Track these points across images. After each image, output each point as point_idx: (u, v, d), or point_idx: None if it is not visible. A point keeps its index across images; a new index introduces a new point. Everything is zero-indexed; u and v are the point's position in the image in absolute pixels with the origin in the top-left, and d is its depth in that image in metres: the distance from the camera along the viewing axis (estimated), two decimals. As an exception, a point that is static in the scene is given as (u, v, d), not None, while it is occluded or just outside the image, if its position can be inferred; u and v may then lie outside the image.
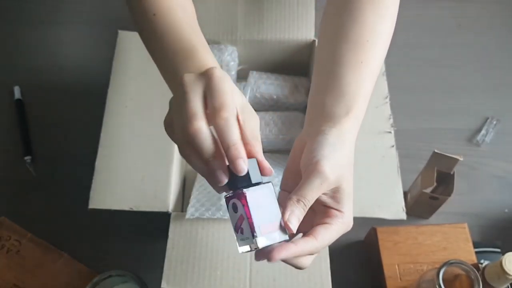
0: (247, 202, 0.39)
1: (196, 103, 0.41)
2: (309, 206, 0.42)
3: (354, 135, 0.47)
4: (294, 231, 0.41)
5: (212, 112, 0.40)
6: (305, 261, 0.43)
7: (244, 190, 0.39)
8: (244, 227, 0.39)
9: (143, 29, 0.52)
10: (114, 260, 0.72)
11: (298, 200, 0.42)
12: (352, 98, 0.47)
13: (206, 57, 0.47)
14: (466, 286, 0.57)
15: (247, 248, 0.40)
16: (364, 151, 0.66)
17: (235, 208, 0.40)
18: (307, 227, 0.43)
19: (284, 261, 0.42)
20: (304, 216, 0.42)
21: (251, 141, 0.42)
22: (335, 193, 0.43)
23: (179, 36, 0.49)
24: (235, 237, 0.40)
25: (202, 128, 0.40)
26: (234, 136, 0.40)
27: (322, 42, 0.54)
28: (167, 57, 0.49)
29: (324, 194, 0.43)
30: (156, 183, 0.63)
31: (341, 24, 0.51)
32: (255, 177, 0.40)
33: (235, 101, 0.42)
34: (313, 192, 0.42)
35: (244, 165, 0.39)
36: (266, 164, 0.42)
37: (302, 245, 0.40)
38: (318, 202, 0.43)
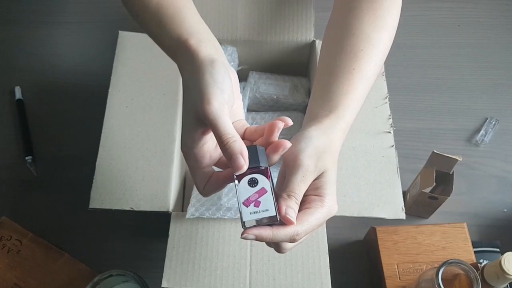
0: (271, 177, 0.42)
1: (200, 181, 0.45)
2: (300, 197, 0.44)
3: (338, 133, 0.48)
4: (295, 222, 0.42)
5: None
6: (287, 246, 0.45)
7: (266, 166, 0.42)
8: (262, 200, 0.41)
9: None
10: (114, 259, 0.72)
11: (289, 196, 0.43)
12: (337, 101, 0.49)
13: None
14: (465, 286, 0.57)
15: (258, 216, 0.41)
16: (364, 151, 0.66)
17: (253, 183, 0.42)
18: None
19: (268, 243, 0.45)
20: None
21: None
22: (314, 180, 0.45)
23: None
24: (241, 211, 0.41)
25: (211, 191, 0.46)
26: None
27: (322, 56, 0.57)
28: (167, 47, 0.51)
29: None
30: (156, 183, 0.63)
31: (339, 38, 0.54)
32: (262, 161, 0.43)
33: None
34: (299, 185, 0.44)
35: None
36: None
37: (282, 230, 0.42)
38: None
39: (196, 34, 0.47)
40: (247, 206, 0.41)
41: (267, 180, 0.42)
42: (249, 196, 0.41)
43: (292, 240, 0.43)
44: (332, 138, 0.48)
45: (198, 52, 0.45)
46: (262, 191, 0.42)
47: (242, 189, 0.42)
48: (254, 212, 0.41)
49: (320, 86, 0.52)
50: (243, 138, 0.47)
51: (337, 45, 0.53)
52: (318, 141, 0.46)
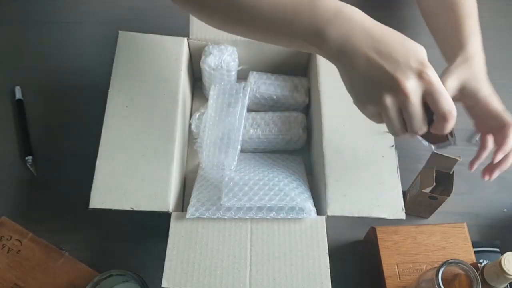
0: None
1: (421, 119, 0.49)
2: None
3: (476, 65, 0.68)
4: None
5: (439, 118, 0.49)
6: None
7: None
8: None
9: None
10: (114, 259, 0.72)
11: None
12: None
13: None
14: (465, 286, 0.57)
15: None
16: (364, 151, 0.66)
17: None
18: None
19: None
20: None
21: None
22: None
23: None
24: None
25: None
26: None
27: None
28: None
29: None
30: (156, 183, 0.64)
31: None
32: None
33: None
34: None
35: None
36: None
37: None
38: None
39: None
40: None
41: None
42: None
43: None
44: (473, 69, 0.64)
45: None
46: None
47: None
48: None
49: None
50: None
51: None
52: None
